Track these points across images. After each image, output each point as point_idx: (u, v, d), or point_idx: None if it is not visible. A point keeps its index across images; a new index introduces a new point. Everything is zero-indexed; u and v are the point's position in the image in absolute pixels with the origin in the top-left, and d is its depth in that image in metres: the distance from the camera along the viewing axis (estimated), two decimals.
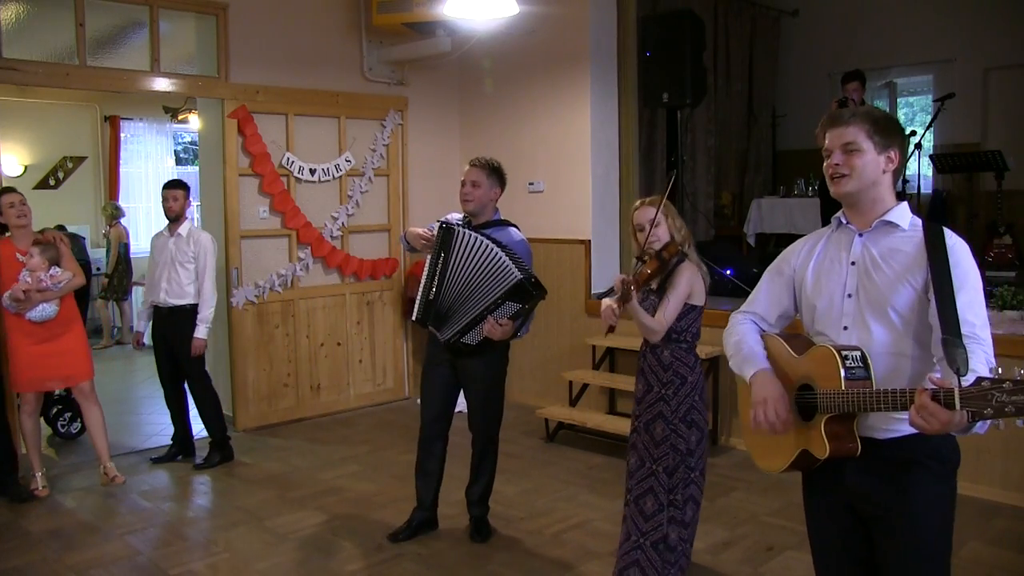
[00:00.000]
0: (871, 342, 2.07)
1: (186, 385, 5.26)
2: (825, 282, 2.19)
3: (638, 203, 3.31)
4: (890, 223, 2.12)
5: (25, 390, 4.59)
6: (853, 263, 2.14)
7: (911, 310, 2.04)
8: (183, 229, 5.10)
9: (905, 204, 2.16)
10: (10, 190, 4.64)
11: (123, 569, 3.75)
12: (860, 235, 2.15)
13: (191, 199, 5.20)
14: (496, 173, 3.86)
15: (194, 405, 5.27)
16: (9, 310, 4.47)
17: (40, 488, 4.61)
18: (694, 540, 3.33)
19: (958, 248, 2.03)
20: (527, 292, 3.59)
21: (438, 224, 3.78)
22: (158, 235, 5.26)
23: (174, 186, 5.16)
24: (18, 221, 4.54)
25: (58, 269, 4.54)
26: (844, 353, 2.01)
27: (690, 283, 3.18)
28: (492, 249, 3.62)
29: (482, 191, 3.81)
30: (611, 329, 3.08)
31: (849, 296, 2.12)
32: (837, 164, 2.10)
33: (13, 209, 4.52)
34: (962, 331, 1.92)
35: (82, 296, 5.20)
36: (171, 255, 5.07)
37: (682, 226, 3.26)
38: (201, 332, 5.02)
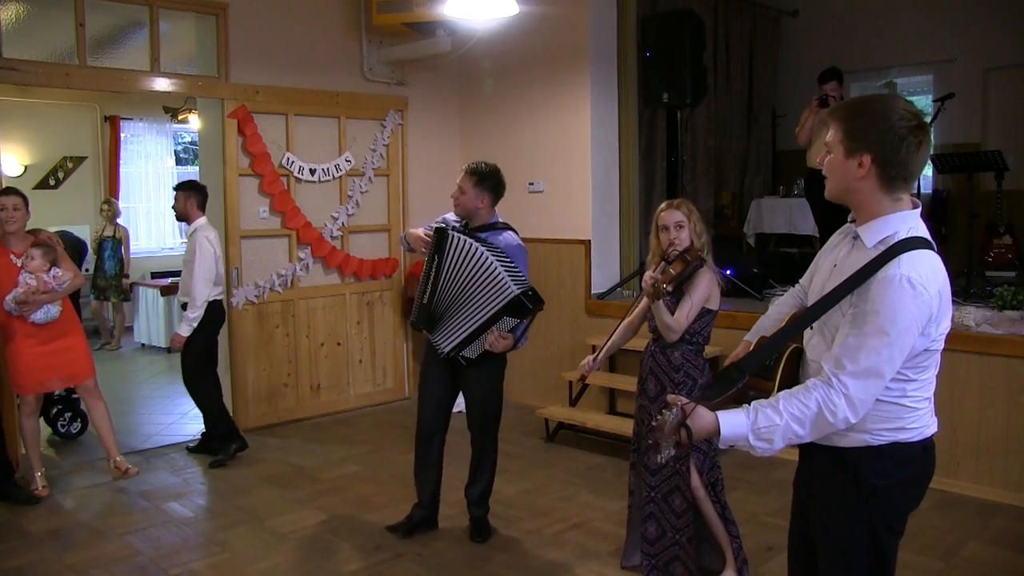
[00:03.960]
0: (811, 348, 2.01)
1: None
2: (817, 279, 2.09)
3: (664, 204, 3.41)
4: (858, 237, 1.93)
5: (28, 392, 4.58)
6: (835, 265, 1.99)
7: (835, 330, 1.90)
8: (190, 229, 5.22)
9: (896, 216, 1.88)
10: (10, 192, 4.55)
11: (123, 569, 3.75)
12: (854, 238, 1.97)
13: (190, 198, 5.17)
14: (486, 180, 3.80)
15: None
16: (12, 313, 4.45)
17: (40, 488, 4.60)
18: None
19: (887, 284, 1.78)
20: (524, 307, 3.61)
21: (434, 227, 3.80)
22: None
23: (175, 188, 5.33)
24: (6, 227, 4.46)
25: (58, 270, 4.54)
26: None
27: (709, 288, 3.31)
28: (486, 257, 3.61)
29: (467, 198, 3.81)
30: (583, 379, 3.54)
31: None
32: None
33: (4, 213, 4.44)
34: (824, 366, 1.85)
35: (74, 297, 5.20)
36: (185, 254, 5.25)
37: (703, 231, 3.37)
38: (182, 330, 5.07)
